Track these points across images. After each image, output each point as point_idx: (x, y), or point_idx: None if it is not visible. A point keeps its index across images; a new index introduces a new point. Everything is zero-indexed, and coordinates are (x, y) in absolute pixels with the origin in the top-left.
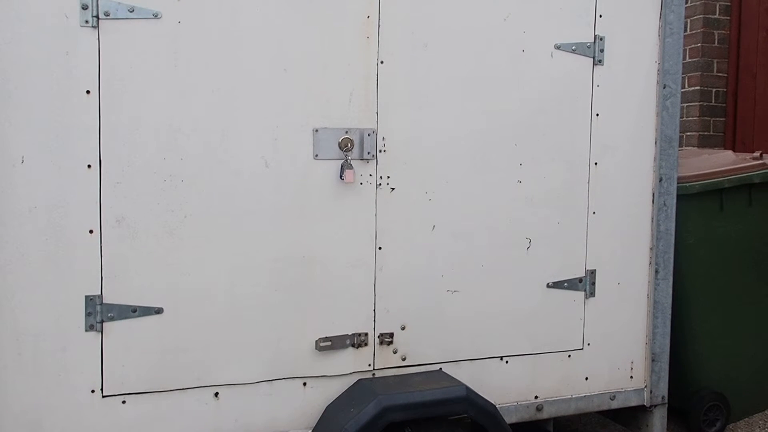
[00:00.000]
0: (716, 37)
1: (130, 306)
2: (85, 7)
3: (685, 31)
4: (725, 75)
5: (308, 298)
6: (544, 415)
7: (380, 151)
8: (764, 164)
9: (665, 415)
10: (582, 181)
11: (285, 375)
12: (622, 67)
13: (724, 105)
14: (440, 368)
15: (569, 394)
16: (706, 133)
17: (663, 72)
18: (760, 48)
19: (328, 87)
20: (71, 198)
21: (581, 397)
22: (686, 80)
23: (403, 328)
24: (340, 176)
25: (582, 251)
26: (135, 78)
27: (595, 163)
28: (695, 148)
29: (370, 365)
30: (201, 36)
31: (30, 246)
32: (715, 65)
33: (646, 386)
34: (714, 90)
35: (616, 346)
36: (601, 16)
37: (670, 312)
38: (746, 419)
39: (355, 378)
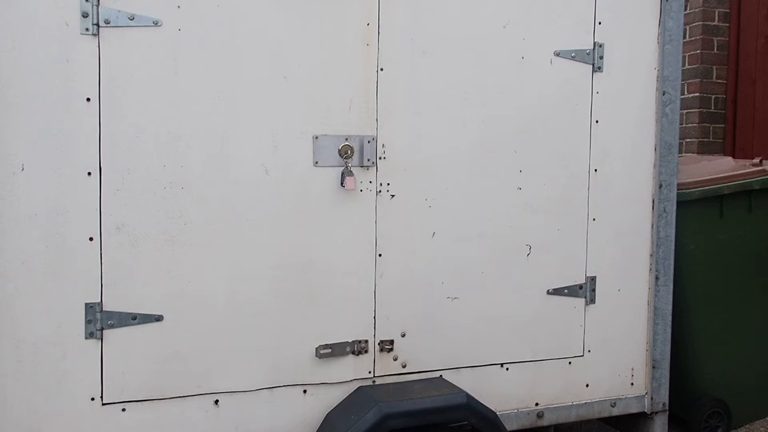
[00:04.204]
0: (715, 43)
1: (130, 313)
2: (85, 15)
3: (685, 37)
4: (724, 81)
5: (308, 305)
6: (545, 422)
7: (380, 158)
8: (764, 170)
9: (666, 421)
10: (582, 187)
11: (285, 382)
12: (622, 73)
13: (723, 111)
14: (441, 375)
15: (570, 400)
16: (705, 140)
17: (662, 79)
18: (759, 54)
19: (328, 94)
20: (71, 205)
21: (582, 403)
22: (686, 87)
23: (403, 335)
24: (341, 183)
25: (582, 258)
26: (135, 85)
27: (595, 170)
28: (695, 154)
29: (370, 372)
30: (201, 43)
31: (30, 253)
32: (714, 72)
33: (646, 393)
34: (713, 96)
35: (616, 353)
36: (600, 23)
37: (670, 318)
38: (747, 426)
39: (355, 385)
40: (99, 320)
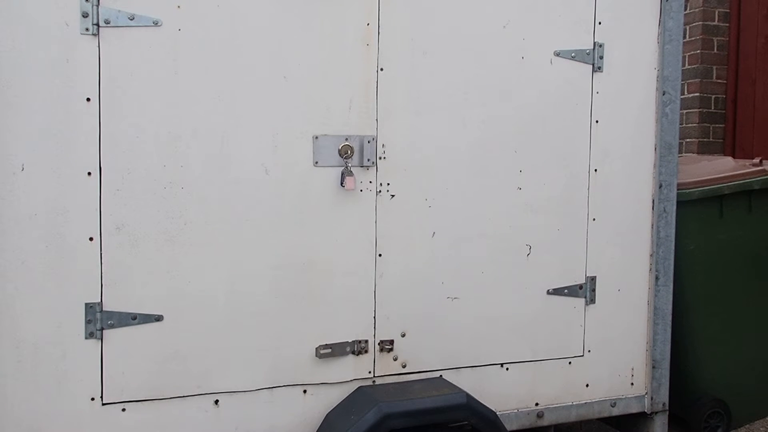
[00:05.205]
0: (715, 43)
1: (130, 313)
2: (85, 15)
3: (685, 37)
4: (724, 81)
5: (308, 305)
6: (545, 422)
7: (380, 158)
8: (764, 170)
9: (666, 421)
10: (582, 187)
11: (285, 382)
12: (622, 73)
13: (723, 111)
14: (441, 375)
15: (570, 401)
16: (705, 140)
17: (662, 79)
18: (759, 54)
19: (328, 94)
20: (71, 205)
21: (582, 404)
22: (686, 87)
23: (403, 335)
24: (341, 183)
25: (582, 258)
26: (135, 85)
27: (595, 170)
28: (695, 154)
29: (370, 372)
30: (201, 43)
31: (30, 253)
32: (714, 72)
33: (646, 393)
34: (713, 96)
35: (616, 353)
36: (600, 23)
37: (670, 318)
38: (747, 426)
39: (355, 385)
40: (99, 320)
